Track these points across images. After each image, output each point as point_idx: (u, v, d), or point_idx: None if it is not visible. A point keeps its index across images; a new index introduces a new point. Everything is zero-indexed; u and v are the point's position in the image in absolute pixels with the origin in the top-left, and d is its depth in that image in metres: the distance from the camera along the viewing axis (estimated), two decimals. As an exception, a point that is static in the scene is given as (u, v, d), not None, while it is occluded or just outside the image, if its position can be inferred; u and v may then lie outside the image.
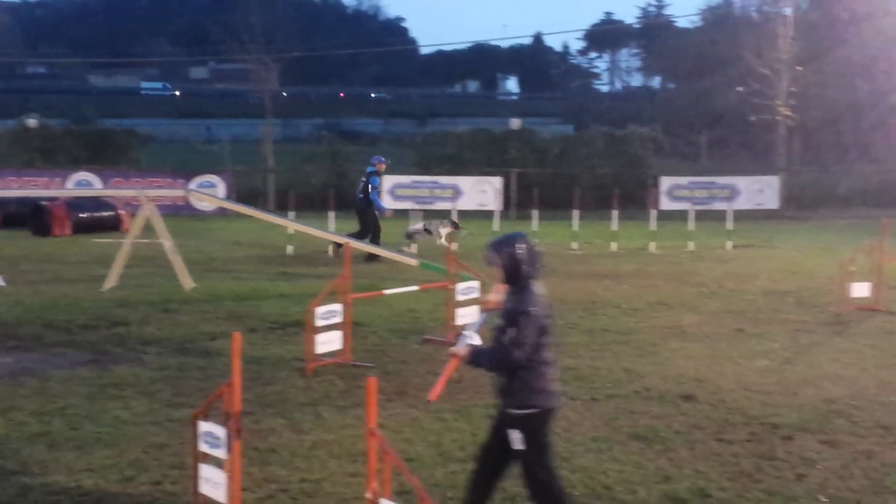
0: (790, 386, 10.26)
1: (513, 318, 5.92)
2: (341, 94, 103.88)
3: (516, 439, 5.93)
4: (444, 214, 25.00)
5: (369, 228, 19.99)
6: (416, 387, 10.13)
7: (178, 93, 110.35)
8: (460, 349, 5.92)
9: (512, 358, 5.86)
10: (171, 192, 25.81)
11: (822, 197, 33.71)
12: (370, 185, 20.10)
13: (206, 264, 19.03)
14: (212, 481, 6.45)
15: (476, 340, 5.95)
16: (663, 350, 11.99)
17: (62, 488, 7.19)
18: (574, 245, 22.16)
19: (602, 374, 10.77)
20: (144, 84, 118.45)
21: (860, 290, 14.20)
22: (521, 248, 6.03)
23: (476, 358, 5.92)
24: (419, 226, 21.48)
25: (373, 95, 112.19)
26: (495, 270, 6.04)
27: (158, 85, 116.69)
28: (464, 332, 6.04)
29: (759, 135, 39.30)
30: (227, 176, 30.93)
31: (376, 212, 20.18)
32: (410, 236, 21.17)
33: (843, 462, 7.94)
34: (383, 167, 20.90)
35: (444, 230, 20.86)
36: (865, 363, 11.28)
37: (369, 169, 20.48)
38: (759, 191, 29.78)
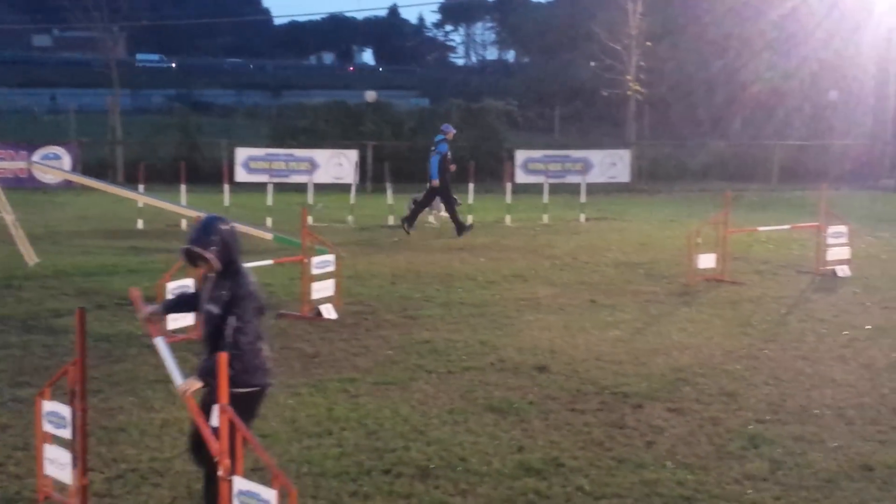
0: (640, 356, 10.50)
1: (232, 303, 5.72)
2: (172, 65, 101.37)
3: (215, 416, 5.50)
4: (299, 188, 24.76)
5: (447, 195, 20.24)
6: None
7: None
8: (187, 386, 5.63)
9: (241, 346, 5.69)
10: (12, 164, 24.80)
11: (673, 170, 34.60)
12: (437, 151, 20.22)
13: (51, 239, 18.38)
14: (57, 462, 6.23)
15: (180, 378, 5.70)
16: (518, 322, 12.13)
17: None
18: (430, 219, 22.18)
19: (458, 346, 10.82)
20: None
21: (706, 261, 14.63)
22: (227, 231, 5.84)
23: (206, 375, 5.58)
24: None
25: (226, 66, 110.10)
26: (207, 262, 5.77)
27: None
28: (176, 384, 5.74)
29: (611, 109, 40.07)
30: (73, 147, 29.83)
31: (434, 179, 20.23)
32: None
33: (689, 429, 8.17)
34: (451, 135, 20.75)
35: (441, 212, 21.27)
36: (711, 332, 11.63)
37: (438, 137, 20.53)
38: (611, 164, 30.27)
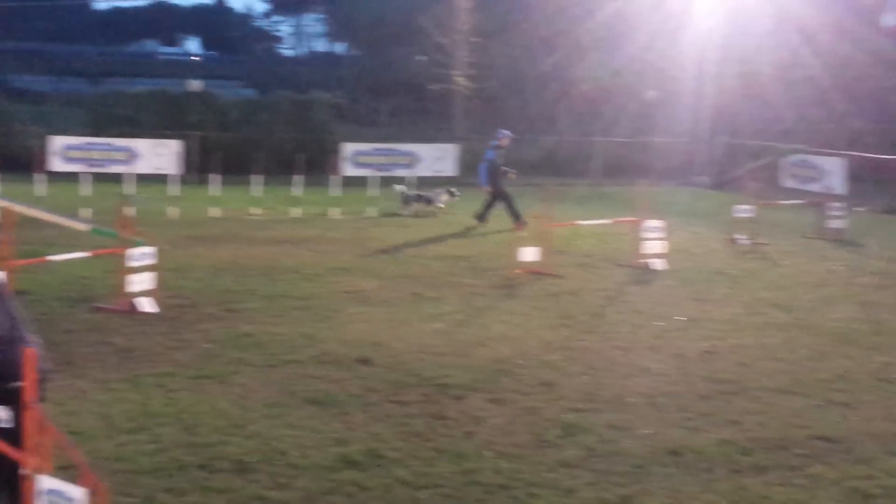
0: (462, 347, 10.61)
1: None
2: None
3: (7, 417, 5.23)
4: (119, 178, 24.06)
5: (504, 195, 20.58)
6: (83, 357, 9.67)
7: None
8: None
9: None
10: None
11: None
12: (485, 159, 20.86)
13: None
14: None
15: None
16: (342, 315, 12.08)
17: None
18: (256, 210, 21.91)
19: (280, 339, 10.71)
20: None
21: (529, 254, 14.88)
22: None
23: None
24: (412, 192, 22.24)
25: (43, 52, 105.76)
26: None
27: None
28: None
29: (441, 104, 40.38)
30: None
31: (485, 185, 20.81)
32: (407, 202, 22.10)
33: (509, 419, 8.30)
34: (506, 142, 21.00)
35: (444, 198, 22.37)
36: (531, 324, 11.85)
37: (493, 143, 21.07)
38: (438, 158, 30.57)
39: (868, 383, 9.58)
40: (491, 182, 20.88)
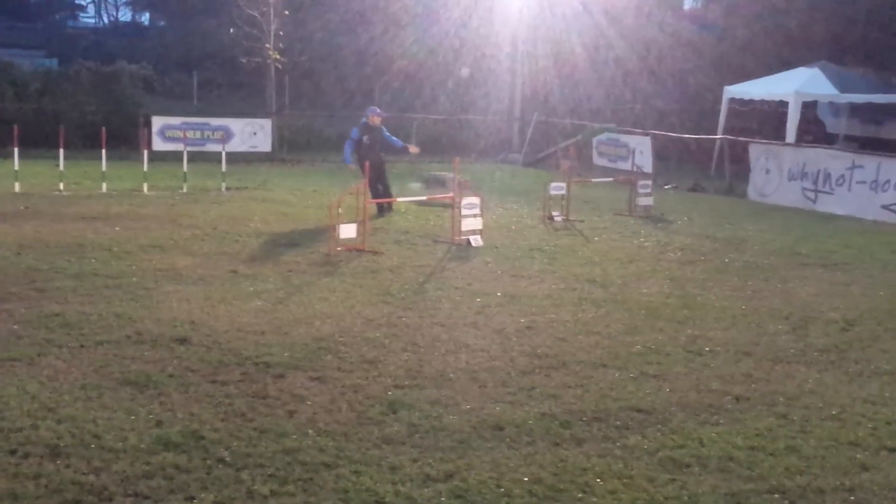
0: (282, 326, 10.45)
1: None
2: None
3: None
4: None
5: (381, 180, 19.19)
6: None
7: None
8: None
9: None
10: None
11: (317, 141, 34.73)
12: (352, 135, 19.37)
13: None
14: None
15: None
16: (157, 294, 11.71)
17: None
18: (61, 186, 21.02)
19: (91, 319, 10.29)
20: None
21: (347, 231, 14.80)
22: None
23: None
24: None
25: None
26: None
27: None
28: None
29: (252, 77, 39.66)
30: None
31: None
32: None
33: (331, 397, 8.22)
34: (377, 119, 19.52)
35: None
36: (352, 301, 11.78)
37: (362, 121, 19.58)
38: (252, 133, 30.09)
39: (679, 356, 9.93)
40: (357, 161, 19.18)
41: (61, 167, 21.52)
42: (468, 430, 7.55)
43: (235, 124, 29.56)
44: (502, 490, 6.48)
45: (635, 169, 23.64)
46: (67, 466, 6.52)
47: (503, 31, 36.56)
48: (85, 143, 27.21)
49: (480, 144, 34.70)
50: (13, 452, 6.68)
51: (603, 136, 31.71)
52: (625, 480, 6.73)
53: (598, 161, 31.21)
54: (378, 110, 19.87)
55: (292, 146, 33.20)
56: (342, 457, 6.91)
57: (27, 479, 6.29)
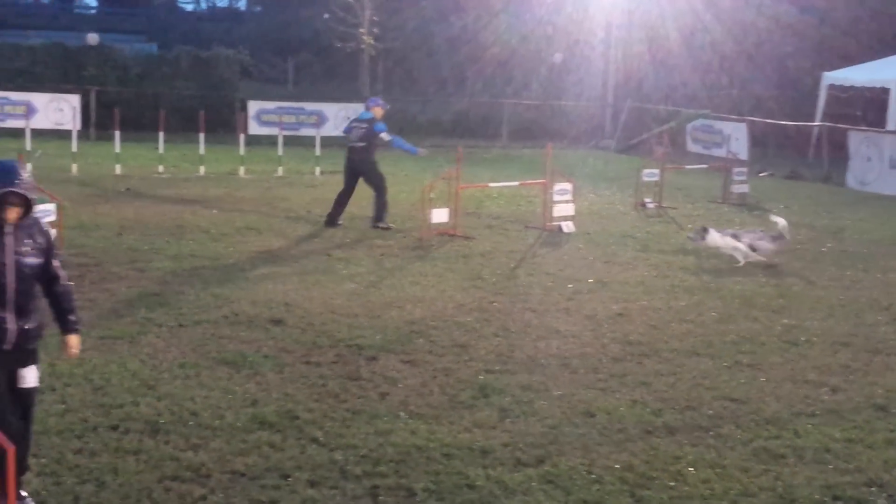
0: (375, 308, 10.55)
1: (51, 246, 5.66)
2: None
3: (36, 375, 5.71)
4: (15, 133, 23.32)
5: (382, 183, 15.99)
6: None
7: None
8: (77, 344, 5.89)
9: (71, 286, 5.84)
10: None
11: (410, 126, 34.80)
12: (377, 133, 15.92)
13: None
14: None
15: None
16: (252, 275, 11.92)
17: None
18: (160, 168, 21.46)
19: (189, 299, 10.52)
20: None
21: (439, 216, 14.86)
22: (27, 175, 5.49)
23: (79, 326, 5.90)
24: None
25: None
26: (26, 205, 5.36)
27: None
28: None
29: (346, 63, 39.97)
30: None
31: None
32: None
33: (423, 380, 8.28)
34: (380, 111, 16.23)
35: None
36: (444, 285, 11.83)
37: (366, 115, 16.21)
38: (346, 118, 30.28)
39: (774, 346, 9.78)
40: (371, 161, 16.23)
41: (160, 150, 21.95)
42: (559, 416, 7.55)
43: (329, 109, 29.79)
44: (593, 476, 6.48)
45: (730, 155, 23.27)
46: (166, 443, 6.69)
47: (597, 16, 36.21)
48: (182, 126, 27.69)
49: (572, 131, 34.45)
50: (114, 428, 6.87)
51: (697, 123, 31.25)
52: (717, 470, 6.66)
53: (693, 147, 30.77)
54: (381, 101, 16.82)
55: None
56: (433, 439, 6.96)
57: (127, 454, 6.48)
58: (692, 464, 6.75)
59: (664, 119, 32.89)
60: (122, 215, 15.57)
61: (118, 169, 20.92)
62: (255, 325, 9.71)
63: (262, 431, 6.97)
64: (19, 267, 5.41)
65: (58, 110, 25.50)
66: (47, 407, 7.12)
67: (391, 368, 8.55)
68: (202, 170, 21.68)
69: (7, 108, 25.14)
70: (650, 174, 19.41)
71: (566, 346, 9.46)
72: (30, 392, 5.61)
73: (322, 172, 22.64)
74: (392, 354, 8.94)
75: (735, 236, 14.02)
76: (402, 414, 7.45)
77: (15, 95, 25.45)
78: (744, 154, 26.23)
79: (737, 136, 27.40)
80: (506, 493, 6.19)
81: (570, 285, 12.11)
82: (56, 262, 5.64)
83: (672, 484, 6.43)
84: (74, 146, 21.49)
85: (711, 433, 7.34)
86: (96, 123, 28.23)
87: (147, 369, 8.16)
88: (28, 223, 5.46)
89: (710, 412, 7.79)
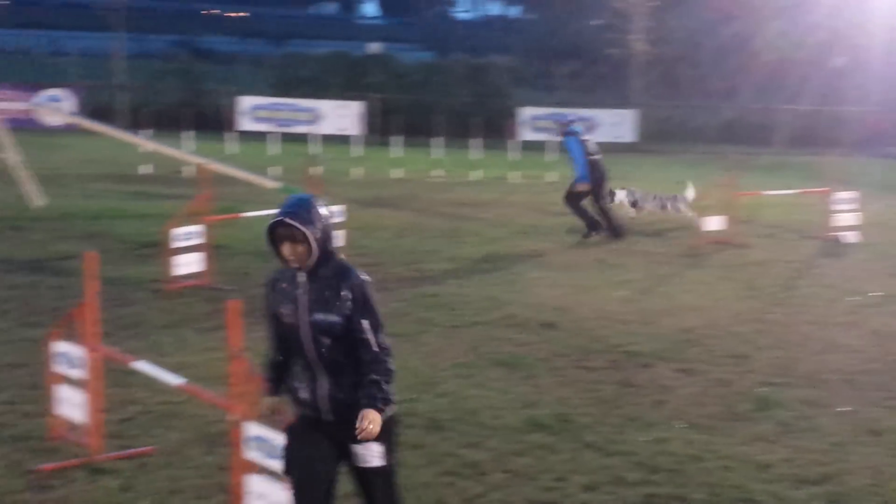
0: (648, 316, 10.48)
1: (362, 304, 4.55)
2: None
3: (377, 453, 4.59)
4: (301, 138, 24.61)
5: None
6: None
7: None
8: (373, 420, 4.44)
9: (391, 352, 4.68)
10: (14, 105, 24.65)
11: (679, 132, 34.33)
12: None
13: (56, 181, 18.25)
14: (70, 402, 6.22)
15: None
16: (525, 279, 12.10)
17: None
18: (437, 173, 22.12)
19: (466, 301, 10.80)
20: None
21: (714, 223, 14.58)
22: (327, 216, 4.56)
23: (383, 402, 4.55)
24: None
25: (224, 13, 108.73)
26: (305, 245, 4.44)
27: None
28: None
29: (614, 69, 39.78)
30: (75, 90, 29.67)
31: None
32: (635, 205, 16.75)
33: (698, 389, 8.16)
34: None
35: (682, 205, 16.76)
36: (718, 294, 11.60)
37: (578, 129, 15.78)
38: (616, 124, 30.20)
39: None
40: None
41: (436, 155, 22.61)
42: (843, 433, 7.25)
43: (600, 115, 29.78)
44: (883, 498, 6.19)
45: None
46: (445, 440, 6.90)
47: (879, 19, 34.39)
48: (457, 132, 28.43)
49: (852, 137, 32.91)
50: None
51: None
52: None
53: None
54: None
55: (655, 137, 32.95)
56: (710, 451, 6.84)
57: (410, 448, 6.70)
58: None
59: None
60: (400, 218, 16.16)
61: (397, 173, 21.69)
62: (529, 328, 9.85)
63: (537, 433, 7.07)
64: (318, 325, 4.54)
65: (342, 116, 26.72)
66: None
67: (666, 377, 8.47)
68: (476, 174, 22.16)
69: (296, 114, 26.57)
70: (942, 183, 18.28)
71: (850, 362, 9.07)
72: (364, 472, 4.64)
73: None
74: (666, 362, 8.85)
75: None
76: (677, 423, 7.36)
77: (303, 102, 26.87)
78: None
79: None
80: (787, 510, 6.02)
81: (852, 298, 11.58)
82: (366, 325, 4.55)
83: (969, 512, 6.06)
84: (356, 150, 22.47)
85: None
86: (378, 129, 29.39)
87: (426, 367, 8.44)
88: (327, 273, 4.54)
89: None
